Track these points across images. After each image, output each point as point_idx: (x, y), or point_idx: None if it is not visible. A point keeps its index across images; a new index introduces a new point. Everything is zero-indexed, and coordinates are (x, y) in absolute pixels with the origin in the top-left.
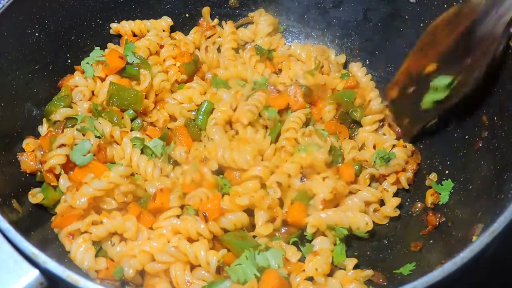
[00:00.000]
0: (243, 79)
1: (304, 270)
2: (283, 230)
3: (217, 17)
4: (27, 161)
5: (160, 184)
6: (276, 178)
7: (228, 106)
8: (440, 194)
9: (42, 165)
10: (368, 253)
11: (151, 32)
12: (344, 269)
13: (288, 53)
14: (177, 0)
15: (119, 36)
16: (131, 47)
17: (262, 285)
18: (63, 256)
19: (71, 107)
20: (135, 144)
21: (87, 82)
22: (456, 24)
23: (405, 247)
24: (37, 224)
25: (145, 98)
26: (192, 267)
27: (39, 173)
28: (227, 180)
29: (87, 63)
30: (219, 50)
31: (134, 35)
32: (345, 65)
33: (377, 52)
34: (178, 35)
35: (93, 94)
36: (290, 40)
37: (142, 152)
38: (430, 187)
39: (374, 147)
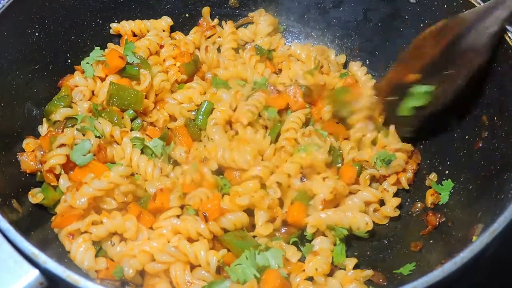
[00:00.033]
0: (243, 79)
1: (304, 270)
2: (283, 230)
3: (217, 17)
4: (27, 161)
5: (160, 184)
6: (276, 178)
7: (227, 106)
8: (440, 194)
9: (42, 165)
10: (368, 253)
11: (151, 32)
12: (344, 269)
13: (288, 53)
14: (177, 0)
15: (119, 36)
16: (131, 47)
17: (263, 285)
18: (63, 256)
19: (71, 107)
20: (135, 144)
21: (87, 82)
22: (441, 37)
23: (405, 247)
24: (37, 224)
25: (145, 98)
26: (192, 267)
27: (39, 173)
28: (227, 180)
29: (87, 63)
30: (219, 50)
31: (134, 35)
32: (345, 65)
33: (377, 52)
34: (178, 35)
35: (93, 94)
36: (290, 40)
37: (142, 152)
38: (430, 187)
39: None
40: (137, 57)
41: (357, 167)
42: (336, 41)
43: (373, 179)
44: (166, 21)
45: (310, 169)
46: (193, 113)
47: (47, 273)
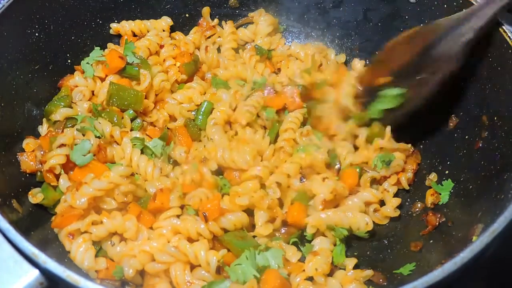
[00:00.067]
0: (243, 79)
1: (304, 270)
2: (283, 231)
3: (217, 17)
4: (27, 161)
5: (160, 184)
6: (275, 178)
7: (227, 106)
8: (440, 194)
9: (42, 165)
10: (368, 253)
11: (151, 32)
12: (344, 269)
13: (288, 53)
14: (177, 0)
15: (119, 36)
16: (131, 47)
17: (263, 285)
18: (63, 256)
19: (71, 107)
20: (135, 144)
21: (87, 82)
22: (415, 43)
23: (405, 247)
24: (37, 224)
25: (145, 98)
26: (192, 267)
27: (39, 173)
28: (227, 180)
29: (87, 63)
30: (219, 50)
31: (134, 35)
32: (345, 65)
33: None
34: (178, 35)
35: (93, 94)
36: (290, 40)
37: (142, 152)
38: (430, 187)
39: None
40: (137, 57)
41: (357, 169)
42: (336, 41)
43: (374, 181)
44: (166, 21)
45: (310, 169)
46: (193, 113)
47: (47, 273)
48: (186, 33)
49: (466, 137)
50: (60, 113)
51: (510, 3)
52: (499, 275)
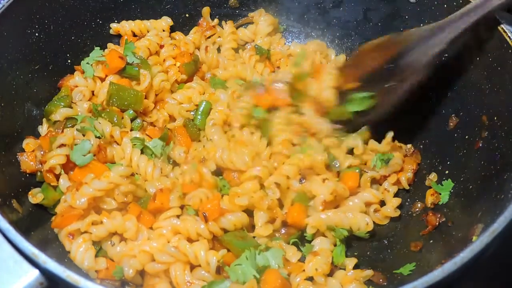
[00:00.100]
0: (242, 79)
1: (304, 270)
2: (283, 231)
3: (217, 17)
4: (27, 161)
5: (160, 184)
6: (274, 179)
7: (225, 106)
8: (440, 194)
9: (42, 165)
10: (368, 253)
11: (151, 32)
12: (344, 269)
13: (287, 53)
14: (177, 0)
15: (119, 36)
16: (131, 47)
17: (263, 285)
18: (63, 256)
19: (71, 107)
20: (135, 144)
21: (87, 82)
22: (384, 51)
23: (405, 247)
24: (37, 224)
25: (145, 98)
26: (192, 267)
27: (39, 173)
28: (226, 181)
29: (87, 63)
30: (219, 50)
31: (134, 35)
32: None
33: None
34: (178, 35)
35: (93, 94)
36: (290, 40)
37: (142, 152)
38: (430, 187)
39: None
40: (137, 57)
41: (357, 171)
42: (336, 41)
43: (373, 181)
44: (166, 21)
45: (309, 170)
46: (192, 113)
47: (47, 273)
48: (186, 33)
49: (466, 137)
50: (60, 113)
51: (486, 16)
52: (499, 275)
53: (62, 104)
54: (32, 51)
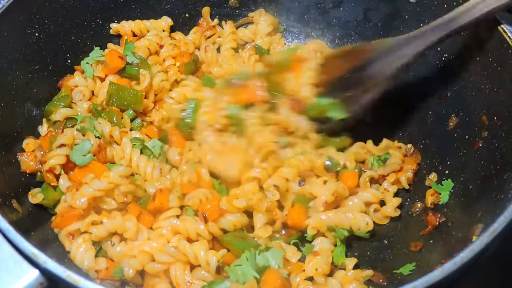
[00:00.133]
0: None
1: (304, 270)
2: (283, 232)
3: (217, 17)
4: (27, 161)
5: (159, 184)
6: (273, 181)
7: (212, 105)
8: (440, 194)
9: (42, 165)
10: (368, 253)
11: (151, 32)
12: (344, 269)
13: None
14: (177, 0)
15: (119, 36)
16: (131, 47)
17: (264, 285)
18: (63, 256)
19: (71, 107)
20: (134, 144)
21: (87, 82)
22: (348, 60)
23: (405, 247)
24: (37, 224)
25: (145, 98)
26: (192, 267)
27: (39, 173)
28: (224, 186)
29: (87, 63)
30: (218, 50)
31: (134, 35)
32: None
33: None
34: (178, 35)
35: (93, 94)
36: (290, 40)
37: (141, 152)
38: (430, 187)
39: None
40: (136, 57)
41: (356, 170)
42: (336, 41)
43: (373, 181)
44: (166, 21)
45: (309, 172)
46: (183, 113)
47: (47, 273)
48: (186, 33)
49: (466, 137)
50: (60, 113)
51: (457, 30)
52: (499, 275)
53: (62, 104)
54: (32, 51)
